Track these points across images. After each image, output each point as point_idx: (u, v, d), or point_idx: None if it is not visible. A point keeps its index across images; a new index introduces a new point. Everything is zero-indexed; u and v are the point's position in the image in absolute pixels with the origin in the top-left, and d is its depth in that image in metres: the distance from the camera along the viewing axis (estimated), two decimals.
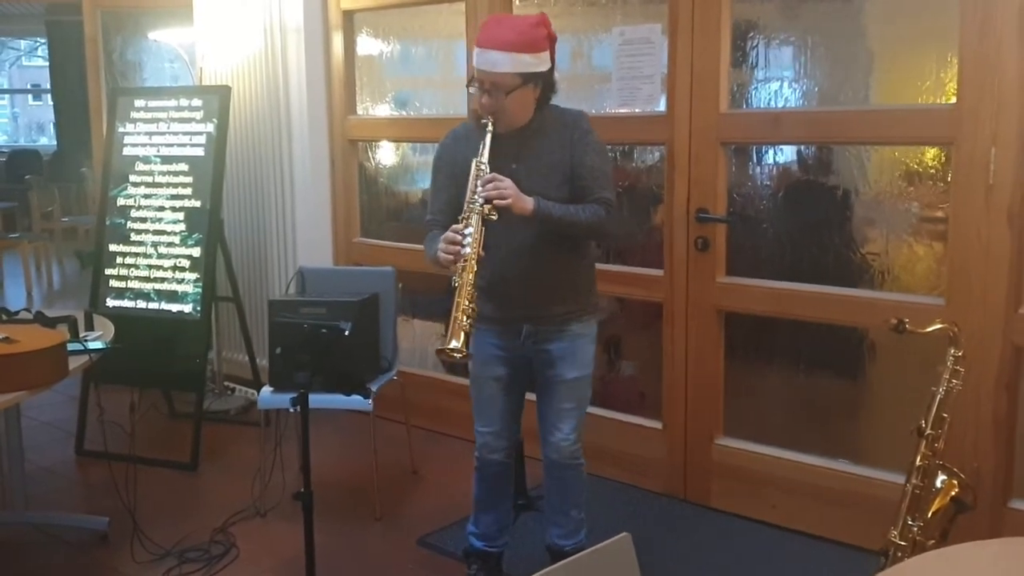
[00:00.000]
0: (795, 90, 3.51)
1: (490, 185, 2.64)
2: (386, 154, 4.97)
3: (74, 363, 3.02)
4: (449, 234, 2.66)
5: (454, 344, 2.51)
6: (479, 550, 3.17)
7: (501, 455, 3.05)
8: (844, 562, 3.29)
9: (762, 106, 3.57)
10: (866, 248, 3.42)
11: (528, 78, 2.73)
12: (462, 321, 2.53)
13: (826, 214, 3.50)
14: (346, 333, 2.56)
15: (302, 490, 2.63)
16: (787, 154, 3.62)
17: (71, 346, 3.10)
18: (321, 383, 2.64)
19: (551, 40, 2.78)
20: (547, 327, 2.90)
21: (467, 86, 2.85)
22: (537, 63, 2.73)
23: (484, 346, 2.94)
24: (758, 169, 3.66)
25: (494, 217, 2.63)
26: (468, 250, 2.59)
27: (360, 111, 4.91)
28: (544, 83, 2.80)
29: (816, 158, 3.58)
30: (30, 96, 18.88)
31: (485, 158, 2.70)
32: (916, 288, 3.32)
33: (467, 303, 2.55)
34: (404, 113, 4.81)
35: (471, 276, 2.57)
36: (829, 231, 3.49)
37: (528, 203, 2.69)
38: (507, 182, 2.67)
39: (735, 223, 3.63)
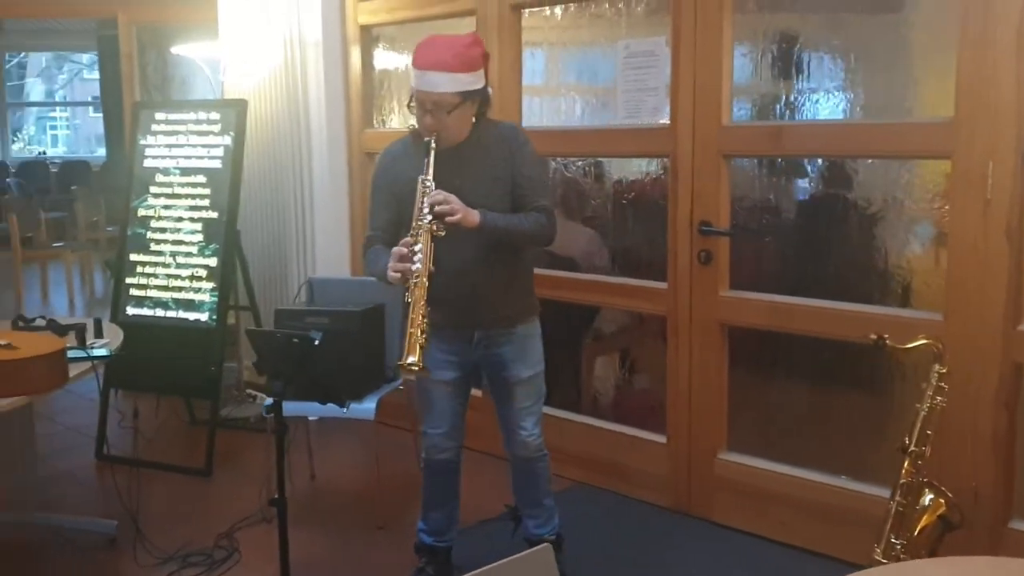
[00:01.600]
0: (819, 102, 3.49)
1: (439, 200, 2.71)
2: None
3: (76, 370, 3.10)
4: (398, 250, 2.73)
5: (411, 359, 2.60)
6: (429, 546, 3.27)
7: (449, 454, 3.17)
8: None
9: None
10: (868, 262, 3.38)
11: (467, 96, 2.83)
12: (418, 337, 2.61)
13: (829, 228, 3.47)
14: (316, 343, 2.60)
15: (276, 496, 2.68)
16: (791, 167, 3.60)
17: (76, 353, 3.19)
18: (294, 392, 2.69)
19: (485, 58, 2.90)
20: (496, 331, 3.02)
21: (407, 105, 2.92)
22: (474, 81, 2.84)
23: (434, 350, 3.01)
24: (762, 182, 3.65)
25: (442, 233, 2.70)
26: (419, 266, 2.66)
27: (376, 124, 4.98)
28: (481, 99, 2.90)
29: (820, 171, 3.56)
30: (91, 108, 19.32)
31: (430, 175, 2.77)
32: (915, 303, 3.28)
33: (421, 318, 2.63)
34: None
35: (423, 292, 2.65)
36: (831, 245, 3.46)
37: (475, 216, 2.77)
38: (454, 198, 2.74)
39: (738, 236, 3.61)
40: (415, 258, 2.67)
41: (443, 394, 3.08)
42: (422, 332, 2.61)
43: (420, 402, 3.16)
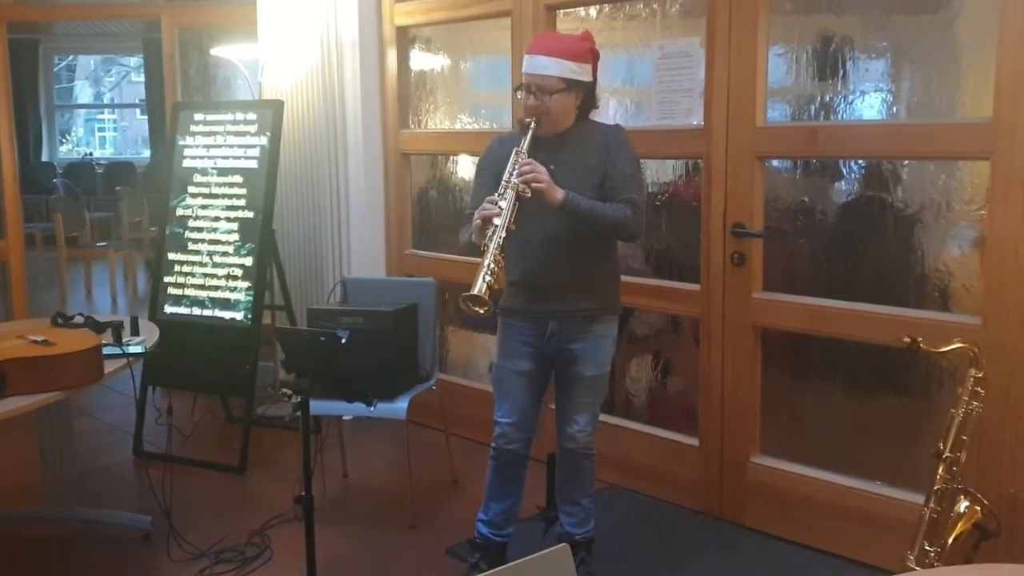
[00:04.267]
0: (855, 103, 3.44)
1: (527, 167, 2.83)
2: (437, 167, 5.03)
3: (111, 366, 3.14)
4: (484, 204, 2.84)
5: (476, 290, 2.65)
6: (484, 536, 3.30)
7: (518, 446, 3.19)
8: None
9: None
10: (904, 265, 3.33)
11: (571, 84, 2.96)
12: (486, 274, 2.68)
13: (864, 230, 3.43)
14: (343, 341, 2.61)
15: (302, 494, 2.69)
16: (826, 168, 3.55)
17: (111, 350, 3.23)
18: (321, 390, 2.70)
19: (594, 55, 3.03)
20: (571, 325, 3.06)
21: (515, 91, 3.11)
22: (580, 72, 2.97)
23: (511, 340, 3.12)
24: (796, 183, 3.60)
25: (528, 194, 2.80)
26: (500, 220, 2.76)
27: (412, 125, 4.99)
28: (586, 93, 3.02)
29: (856, 172, 3.51)
30: (137, 111, 19.55)
31: (525, 148, 2.91)
32: (954, 307, 3.23)
33: (493, 263, 2.70)
34: (457, 126, 4.87)
35: (499, 240, 2.73)
36: (867, 247, 3.41)
37: (559, 193, 2.87)
38: (542, 168, 2.86)
39: (772, 238, 3.58)
40: (497, 210, 2.78)
41: (517, 384, 3.13)
42: (492, 274, 2.68)
43: (495, 389, 3.21)
